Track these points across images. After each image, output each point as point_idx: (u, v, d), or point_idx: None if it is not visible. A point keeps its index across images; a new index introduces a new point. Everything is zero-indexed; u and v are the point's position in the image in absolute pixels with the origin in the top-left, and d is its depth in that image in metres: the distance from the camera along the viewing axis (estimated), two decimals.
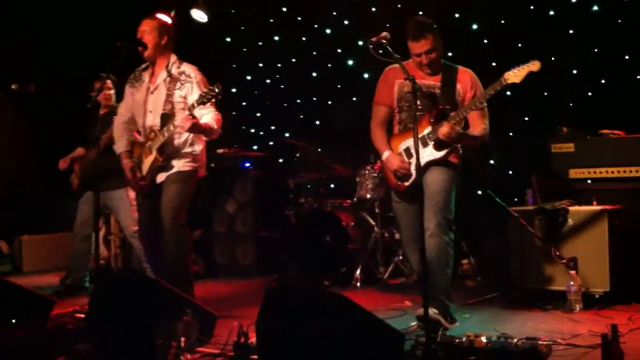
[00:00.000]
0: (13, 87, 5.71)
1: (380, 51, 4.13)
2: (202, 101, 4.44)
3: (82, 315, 4.73)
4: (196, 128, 4.58)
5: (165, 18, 5.09)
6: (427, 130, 4.28)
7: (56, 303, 4.79)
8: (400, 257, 6.18)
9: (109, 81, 6.02)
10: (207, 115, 4.70)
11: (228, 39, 8.50)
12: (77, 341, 4.09)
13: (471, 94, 4.33)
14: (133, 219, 5.96)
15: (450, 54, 4.77)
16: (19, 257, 7.78)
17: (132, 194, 5.91)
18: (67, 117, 6.43)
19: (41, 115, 7.97)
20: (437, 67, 4.41)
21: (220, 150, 7.43)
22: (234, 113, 8.53)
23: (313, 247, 6.22)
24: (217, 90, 4.38)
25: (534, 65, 4.05)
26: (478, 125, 4.35)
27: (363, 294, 5.63)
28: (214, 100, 4.52)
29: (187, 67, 4.82)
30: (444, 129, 4.18)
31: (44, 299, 4.79)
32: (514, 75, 4.07)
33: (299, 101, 8.27)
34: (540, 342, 3.46)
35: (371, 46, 4.09)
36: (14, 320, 4.53)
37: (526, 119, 6.78)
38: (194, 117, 4.52)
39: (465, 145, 4.48)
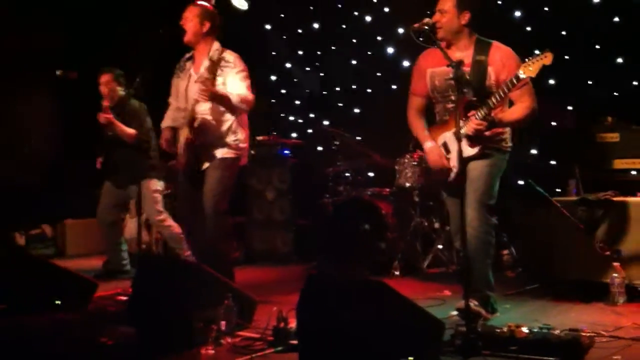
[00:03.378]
0: (58, 73, 5.80)
1: (422, 38, 4.08)
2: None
3: (124, 298, 4.80)
4: (214, 96, 4.60)
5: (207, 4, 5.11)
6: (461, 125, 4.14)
7: (98, 286, 4.89)
8: (440, 246, 6.15)
9: (104, 75, 6.09)
10: (235, 87, 4.73)
11: (268, 26, 8.51)
12: (120, 323, 4.18)
13: (504, 77, 4.11)
14: (156, 209, 6.05)
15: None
16: (62, 240, 7.92)
17: (153, 185, 6.01)
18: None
19: (84, 101, 8.08)
20: (448, 36, 4.20)
21: (259, 138, 7.46)
22: (273, 100, 8.57)
23: (351, 236, 6.21)
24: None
25: (547, 58, 3.88)
26: (520, 104, 4.19)
27: (402, 283, 5.61)
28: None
29: (228, 54, 4.83)
30: (470, 126, 4.07)
31: (87, 281, 4.89)
32: (528, 69, 3.90)
33: (338, 89, 8.26)
34: (582, 334, 3.41)
35: (413, 33, 4.04)
36: (58, 302, 4.64)
37: (570, 107, 6.67)
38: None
39: (512, 127, 4.32)
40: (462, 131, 4.05)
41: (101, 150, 6.16)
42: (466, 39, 4.26)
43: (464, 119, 4.10)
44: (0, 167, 8.18)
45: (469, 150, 4.14)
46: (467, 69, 4.14)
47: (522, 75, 3.93)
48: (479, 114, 4.07)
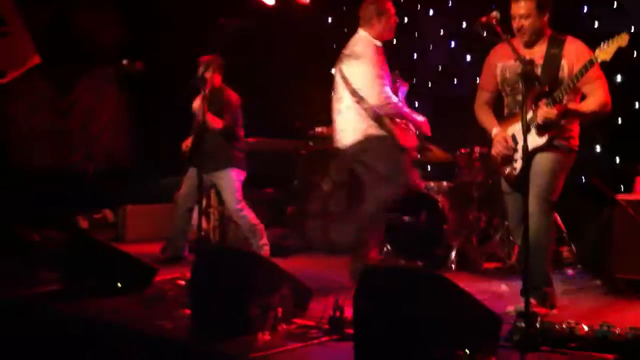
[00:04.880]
0: (124, 62, 5.94)
1: (487, 32, 4.04)
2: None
3: (183, 282, 4.89)
4: None
5: None
6: (529, 115, 4.08)
7: (158, 270, 4.99)
8: (497, 241, 6.07)
9: (209, 60, 6.10)
10: None
11: (329, 19, 8.52)
12: (179, 307, 4.27)
13: (577, 69, 4.04)
14: (236, 198, 6.11)
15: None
16: (122, 225, 8.11)
17: (236, 175, 6.07)
18: (173, 93, 6.58)
19: (148, 91, 8.25)
20: (536, 38, 4.21)
21: (318, 129, 7.48)
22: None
23: (408, 228, 6.19)
24: None
25: (623, 40, 3.83)
26: (593, 97, 4.15)
27: (458, 277, 5.52)
28: None
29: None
30: (541, 113, 4.04)
31: (147, 266, 5.00)
32: (604, 52, 3.86)
33: (397, 83, 8.19)
34: None
35: (480, 26, 4.00)
36: (119, 285, 4.76)
37: (637, 105, 6.50)
38: None
39: (583, 119, 4.27)
40: (532, 120, 4.05)
41: (189, 136, 6.24)
42: (543, 36, 4.26)
43: (533, 107, 4.08)
44: (66, 154, 8.45)
45: (537, 140, 4.10)
46: (539, 61, 4.16)
47: (597, 59, 3.89)
48: (550, 101, 4.03)
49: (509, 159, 4.28)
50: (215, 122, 5.96)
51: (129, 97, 8.65)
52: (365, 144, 5.16)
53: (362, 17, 5.28)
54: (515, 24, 4.20)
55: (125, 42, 8.00)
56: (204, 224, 6.99)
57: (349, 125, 5.23)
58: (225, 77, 6.22)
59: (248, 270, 4.02)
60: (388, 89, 5.11)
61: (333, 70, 5.43)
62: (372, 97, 5.09)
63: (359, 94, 5.14)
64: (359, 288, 3.39)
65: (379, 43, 5.21)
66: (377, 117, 5.13)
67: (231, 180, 6.10)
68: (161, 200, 7.86)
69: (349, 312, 3.56)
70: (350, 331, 3.51)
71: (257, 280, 3.96)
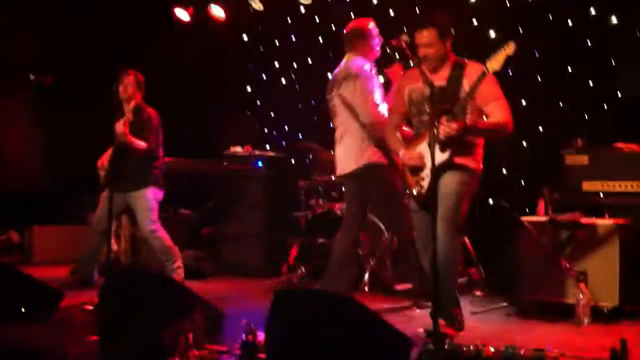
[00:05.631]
0: (31, 77, 5.74)
1: (399, 54, 4.17)
2: None
3: (91, 308, 4.75)
4: None
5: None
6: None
7: (65, 295, 4.83)
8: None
9: (129, 77, 6.00)
10: None
11: (245, 38, 8.53)
12: (86, 333, 4.14)
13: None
14: (150, 218, 5.98)
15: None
16: (29, 247, 7.82)
17: (152, 194, 5.94)
18: (86, 109, 6.43)
19: (60, 107, 8.01)
20: (439, 64, 4.40)
21: (234, 149, 7.45)
22: (248, 112, 8.58)
23: (322, 249, 6.22)
24: None
25: (510, 48, 4.05)
26: (493, 117, 4.34)
27: (370, 298, 5.63)
28: None
29: None
30: (442, 127, 4.17)
31: (53, 290, 4.82)
32: (493, 62, 4.07)
33: (313, 102, 8.28)
34: (548, 354, 3.45)
35: (389, 49, 4.13)
36: (23, 310, 4.57)
37: (540, 128, 6.76)
38: None
39: (485, 138, 4.46)
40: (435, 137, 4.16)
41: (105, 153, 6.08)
42: (448, 60, 4.45)
43: (436, 124, 4.20)
44: None
45: (440, 156, 4.21)
46: (443, 82, 4.34)
47: (489, 69, 4.09)
48: (451, 117, 4.18)
49: (417, 178, 4.38)
50: (139, 145, 5.84)
51: (45, 114, 8.38)
52: (368, 170, 5.18)
53: (346, 43, 5.38)
54: (421, 53, 4.36)
55: (39, 57, 7.76)
56: (115, 246, 6.82)
57: (351, 150, 5.24)
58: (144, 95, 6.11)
59: (159, 294, 3.93)
60: (383, 108, 5.15)
61: (328, 97, 5.43)
62: (366, 113, 5.13)
63: (356, 110, 5.17)
64: (271, 312, 3.38)
65: (368, 63, 5.27)
66: (379, 140, 5.12)
67: (147, 200, 5.96)
68: (71, 221, 7.63)
69: (261, 336, 3.54)
70: (263, 356, 3.48)
71: (168, 304, 3.89)
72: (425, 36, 4.33)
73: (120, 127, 5.73)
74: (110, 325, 3.89)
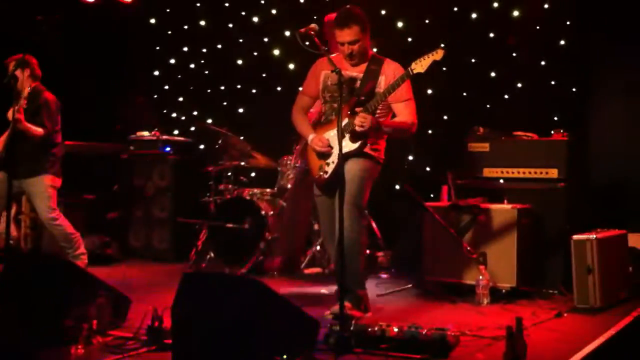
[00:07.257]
0: None
1: (308, 42, 4.19)
2: None
3: None
4: None
5: None
6: (345, 122, 4.33)
7: None
8: (318, 248, 6.24)
9: (21, 61, 5.74)
10: None
11: (152, 21, 8.35)
12: None
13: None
14: (49, 206, 5.78)
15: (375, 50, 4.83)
16: None
17: (50, 181, 5.74)
18: None
19: None
20: (361, 59, 4.49)
21: (140, 134, 7.31)
22: (155, 96, 8.41)
23: (231, 234, 6.20)
24: None
25: (438, 54, 4.18)
26: (402, 116, 4.47)
27: (280, 283, 5.66)
28: None
29: None
30: (357, 119, 4.28)
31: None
32: (419, 65, 4.19)
33: (222, 88, 8.21)
34: (448, 333, 3.58)
35: (299, 37, 4.14)
36: None
37: (445, 117, 6.95)
38: None
39: (390, 136, 4.58)
40: (347, 126, 4.33)
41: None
42: (367, 55, 4.53)
43: (349, 115, 4.33)
44: None
45: (350, 145, 4.35)
46: (359, 75, 4.45)
47: (413, 71, 4.20)
48: (365, 110, 4.28)
49: (322, 163, 4.45)
50: (35, 131, 5.60)
51: None
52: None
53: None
54: (346, 50, 4.42)
55: None
56: (14, 232, 6.58)
57: None
58: (42, 78, 5.87)
59: (60, 280, 3.85)
60: None
61: None
62: None
63: None
64: (177, 296, 3.36)
65: None
66: None
67: (44, 187, 5.75)
68: None
69: (168, 322, 3.51)
70: (169, 341, 3.45)
71: (70, 290, 3.81)
72: (348, 34, 4.38)
73: (14, 113, 5.49)
74: (10, 312, 3.77)
